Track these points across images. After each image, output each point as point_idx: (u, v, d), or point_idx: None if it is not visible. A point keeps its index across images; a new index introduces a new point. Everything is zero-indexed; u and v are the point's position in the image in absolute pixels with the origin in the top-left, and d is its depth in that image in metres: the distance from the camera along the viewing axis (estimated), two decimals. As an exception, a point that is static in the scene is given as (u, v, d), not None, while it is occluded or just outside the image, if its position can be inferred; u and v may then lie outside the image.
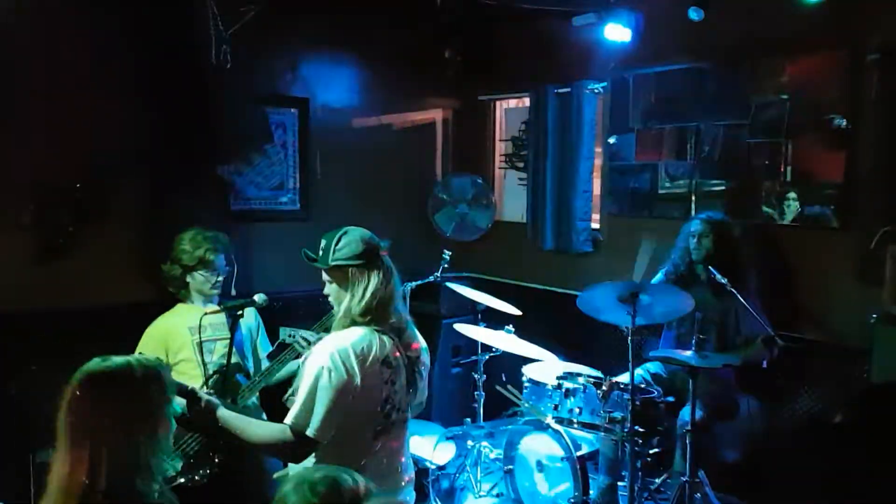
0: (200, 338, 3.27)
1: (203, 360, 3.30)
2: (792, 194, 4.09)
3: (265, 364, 3.54)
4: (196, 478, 3.07)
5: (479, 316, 4.41)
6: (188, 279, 3.43)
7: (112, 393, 1.88)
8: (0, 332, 3.86)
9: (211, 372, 3.13)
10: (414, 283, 4.16)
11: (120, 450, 1.84)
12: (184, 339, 3.31)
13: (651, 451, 3.79)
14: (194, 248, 3.38)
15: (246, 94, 4.54)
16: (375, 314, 2.42)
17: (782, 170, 4.15)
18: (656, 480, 4.04)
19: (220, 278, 3.47)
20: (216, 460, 3.10)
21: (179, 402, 2.85)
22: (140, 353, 2.53)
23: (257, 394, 3.39)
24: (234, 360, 3.34)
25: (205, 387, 2.90)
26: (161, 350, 3.28)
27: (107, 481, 1.80)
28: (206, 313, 3.04)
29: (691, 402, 3.51)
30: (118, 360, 1.93)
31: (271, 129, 4.85)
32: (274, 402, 2.98)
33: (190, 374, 3.23)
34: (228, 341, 3.33)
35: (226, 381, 2.91)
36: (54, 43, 4.09)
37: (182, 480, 3.05)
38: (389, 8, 5.10)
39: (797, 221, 4.08)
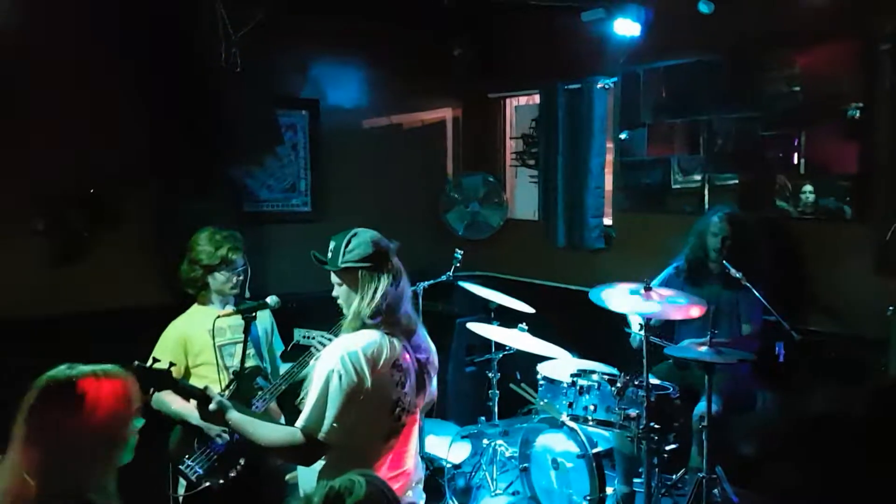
0: (215, 341, 3.28)
1: (224, 364, 3.30)
2: (806, 187, 4.06)
3: (280, 365, 3.56)
4: (221, 481, 3.08)
5: (493, 314, 4.40)
6: (209, 280, 3.42)
7: (74, 402, 1.82)
8: (16, 336, 3.89)
9: (232, 375, 3.13)
10: (426, 283, 4.15)
11: (75, 460, 1.79)
12: (204, 342, 3.28)
13: (667, 448, 3.77)
14: (215, 247, 3.35)
15: (256, 96, 4.55)
16: (385, 316, 2.41)
17: (796, 162, 4.12)
18: (673, 476, 4.02)
19: (241, 277, 3.46)
20: (240, 463, 3.11)
21: (188, 406, 2.88)
22: (153, 356, 2.54)
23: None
24: (253, 362, 3.36)
25: (227, 390, 2.91)
26: (180, 353, 3.27)
27: (59, 491, 1.75)
28: (219, 316, 3.03)
29: (707, 398, 3.48)
30: (84, 368, 1.88)
31: (281, 130, 4.87)
32: (288, 403, 2.99)
33: (210, 378, 3.23)
34: (240, 345, 3.36)
35: (240, 383, 2.92)
36: (67, 50, 4.12)
37: (207, 484, 3.06)
38: (397, 7, 5.10)
39: (812, 214, 4.04)
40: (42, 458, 1.78)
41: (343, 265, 2.43)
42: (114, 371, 1.93)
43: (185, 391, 2.60)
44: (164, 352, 3.20)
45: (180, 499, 3.17)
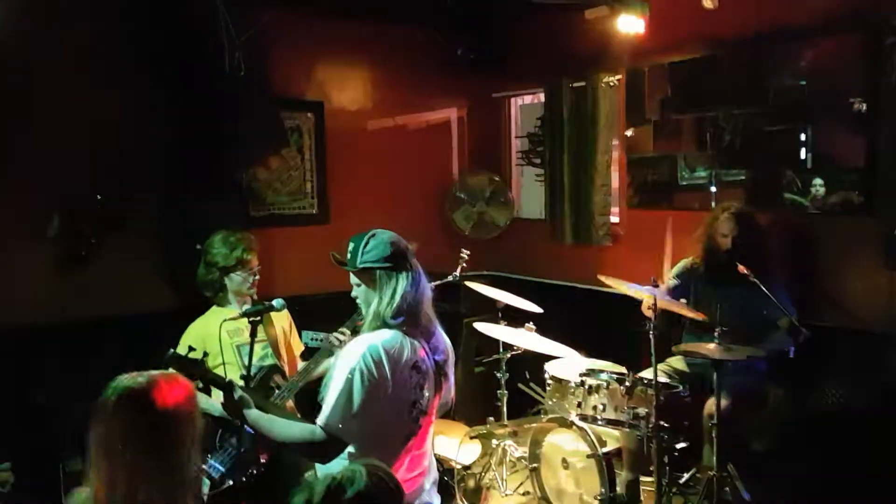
0: (233, 341, 3.33)
1: (243, 363, 3.32)
2: (815, 181, 4.04)
3: (299, 363, 3.58)
4: (244, 479, 3.10)
5: (500, 314, 4.39)
6: (226, 281, 3.45)
7: (152, 408, 1.82)
8: (26, 342, 3.92)
9: (252, 374, 3.16)
10: (433, 284, 4.14)
11: (157, 469, 1.80)
12: (223, 342, 3.32)
13: (678, 446, 3.75)
14: (230, 249, 3.41)
15: (261, 99, 4.57)
16: (406, 316, 2.42)
17: (803, 157, 4.10)
18: (685, 475, 4.00)
19: (258, 277, 3.50)
20: (261, 460, 3.12)
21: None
22: (188, 346, 2.57)
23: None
24: (271, 361, 3.39)
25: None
26: (200, 354, 3.29)
27: (150, 498, 1.76)
28: (225, 320, 3.05)
29: (716, 395, 3.47)
30: (152, 374, 1.88)
31: (287, 132, 4.88)
32: (306, 401, 3.00)
33: (229, 378, 3.25)
34: (260, 344, 3.40)
35: (248, 384, 2.92)
36: (71, 55, 4.14)
37: (231, 482, 3.08)
38: (401, 8, 5.10)
39: (820, 208, 4.02)
40: (125, 471, 1.77)
41: (361, 265, 2.44)
42: (174, 374, 1.96)
43: (213, 382, 2.62)
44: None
45: (205, 498, 3.19)
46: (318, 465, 2.57)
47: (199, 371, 2.57)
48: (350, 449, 2.36)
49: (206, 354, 2.61)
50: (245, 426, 2.54)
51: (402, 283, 2.42)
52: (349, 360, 2.34)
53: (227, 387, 2.49)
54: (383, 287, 2.42)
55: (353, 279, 2.51)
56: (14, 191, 4.03)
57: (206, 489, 3.20)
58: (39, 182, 4.09)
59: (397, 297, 2.40)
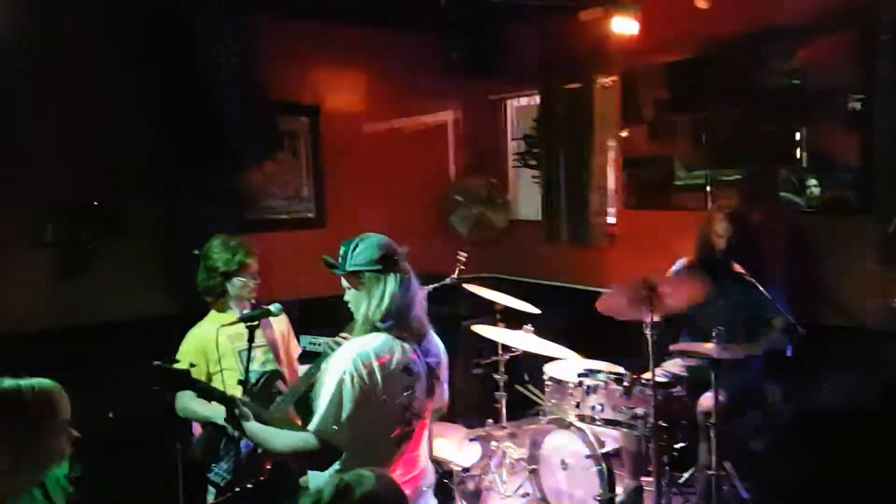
0: (234, 346, 3.32)
1: (245, 368, 3.32)
2: (810, 180, 4.05)
3: (297, 368, 3.58)
4: (249, 485, 3.10)
5: (498, 316, 4.39)
6: (227, 286, 3.45)
7: None
8: (23, 349, 3.90)
9: (253, 380, 3.15)
10: (431, 286, 4.15)
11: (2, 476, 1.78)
12: (224, 348, 3.31)
13: (677, 446, 3.75)
14: (231, 253, 3.40)
15: (256, 103, 4.57)
16: (396, 320, 2.42)
17: (799, 155, 4.11)
18: (684, 475, 4.01)
19: (258, 281, 3.50)
20: (266, 466, 3.12)
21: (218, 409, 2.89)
22: (175, 358, 2.56)
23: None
24: (272, 366, 3.40)
25: (246, 395, 2.93)
26: (200, 359, 3.27)
27: None
28: (222, 325, 3.05)
29: (714, 394, 3.47)
30: (8, 382, 1.88)
31: (281, 136, 4.89)
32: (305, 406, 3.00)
33: (230, 383, 3.25)
34: (261, 349, 3.39)
35: (245, 389, 2.92)
36: (68, 61, 4.14)
37: (236, 489, 3.08)
38: (396, 11, 5.11)
39: (816, 207, 4.03)
40: None
41: (350, 268, 2.45)
42: (40, 384, 1.92)
43: (207, 393, 2.62)
44: (184, 360, 3.21)
45: None
46: (310, 473, 2.57)
47: (185, 382, 2.57)
48: None
49: (192, 365, 2.60)
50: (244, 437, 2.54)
51: (391, 285, 2.42)
52: (339, 365, 2.34)
53: (229, 402, 2.49)
54: (372, 290, 2.42)
55: (344, 283, 2.52)
56: (10, 195, 4.03)
57: (210, 497, 3.21)
58: (36, 187, 4.09)
59: (386, 300, 2.41)
